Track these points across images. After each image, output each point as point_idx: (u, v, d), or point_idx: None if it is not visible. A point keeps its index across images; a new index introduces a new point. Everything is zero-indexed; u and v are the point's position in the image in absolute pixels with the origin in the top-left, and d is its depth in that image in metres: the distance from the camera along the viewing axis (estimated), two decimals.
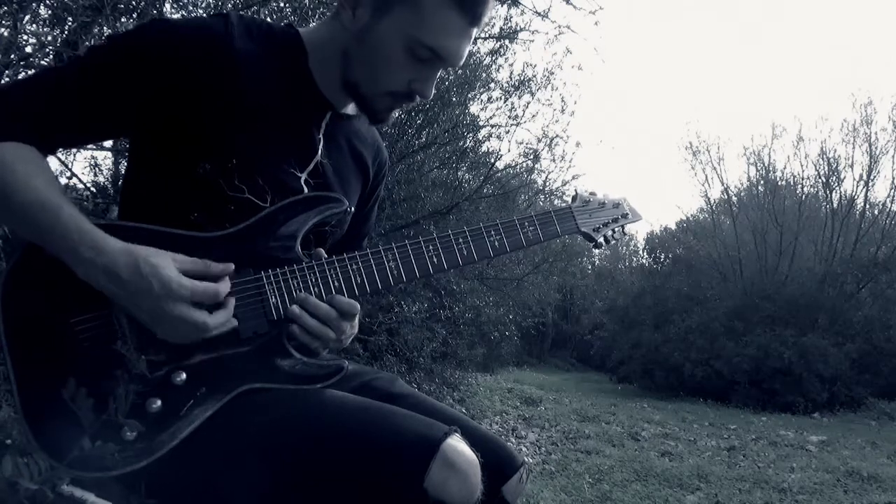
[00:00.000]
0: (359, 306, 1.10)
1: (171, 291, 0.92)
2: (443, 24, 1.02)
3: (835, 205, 15.25)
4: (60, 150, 2.28)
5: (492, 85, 6.89)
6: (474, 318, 8.18)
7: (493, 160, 7.40)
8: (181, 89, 1.01)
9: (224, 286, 0.99)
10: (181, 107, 1.02)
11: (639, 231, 26.29)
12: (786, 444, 6.96)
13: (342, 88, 1.14)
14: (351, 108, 1.23)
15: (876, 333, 13.32)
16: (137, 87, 1.01)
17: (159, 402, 0.96)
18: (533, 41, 6.36)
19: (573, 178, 8.14)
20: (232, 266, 1.01)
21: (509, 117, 7.02)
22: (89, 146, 3.21)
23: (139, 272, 0.92)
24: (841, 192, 15.35)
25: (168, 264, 0.94)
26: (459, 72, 5.94)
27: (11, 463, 0.97)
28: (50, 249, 0.95)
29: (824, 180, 15.56)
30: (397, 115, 1.19)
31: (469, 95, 6.59)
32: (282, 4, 3.91)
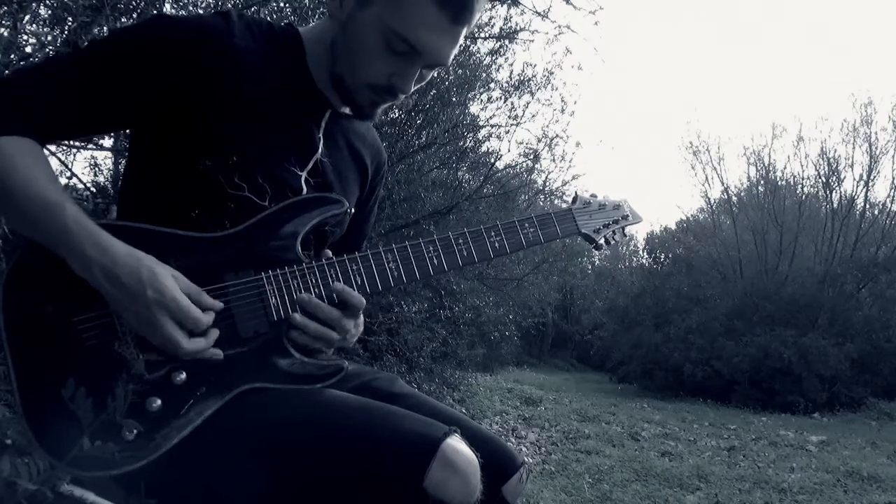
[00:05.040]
0: (363, 301, 1.10)
1: (163, 301, 0.93)
2: (421, 18, 1.01)
3: (835, 205, 15.26)
4: (60, 142, 2.28)
5: (492, 85, 6.88)
6: (474, 318, 8.18)
7: (493, 160, 7.40)
8: (181, 85, 1.02)
9: (208, 318, 0.99)
10: (181, 102, 1.03)
11: (639, 231, 26.33)
12: (786, 444, 6.96)
13: (330, 83, 1.14)
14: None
15: (876, 333, 13.32)
16: (137, 82, 1.01)
17: (159, 402, 0.97)
18: (533, 41, 6.33)
19: (573, 178, 8.14)
20: (221, 305, 1.01)
21: (509, 117, 7.01)
22: (89, 146, 3.22)
23: (138, 276, 0.92)
24: (841, 193, 15.39)
25: (168, 276, 0.95)
26: (459, 72, 5.93)
27: (10, 463, 0.97)
28: (49, 245, 0.95)
29: (824, 180, 15.58)
30: (382, 111, 1.18)
31: (469, 95, 6.57)
32: (282, 4, 3.91)
